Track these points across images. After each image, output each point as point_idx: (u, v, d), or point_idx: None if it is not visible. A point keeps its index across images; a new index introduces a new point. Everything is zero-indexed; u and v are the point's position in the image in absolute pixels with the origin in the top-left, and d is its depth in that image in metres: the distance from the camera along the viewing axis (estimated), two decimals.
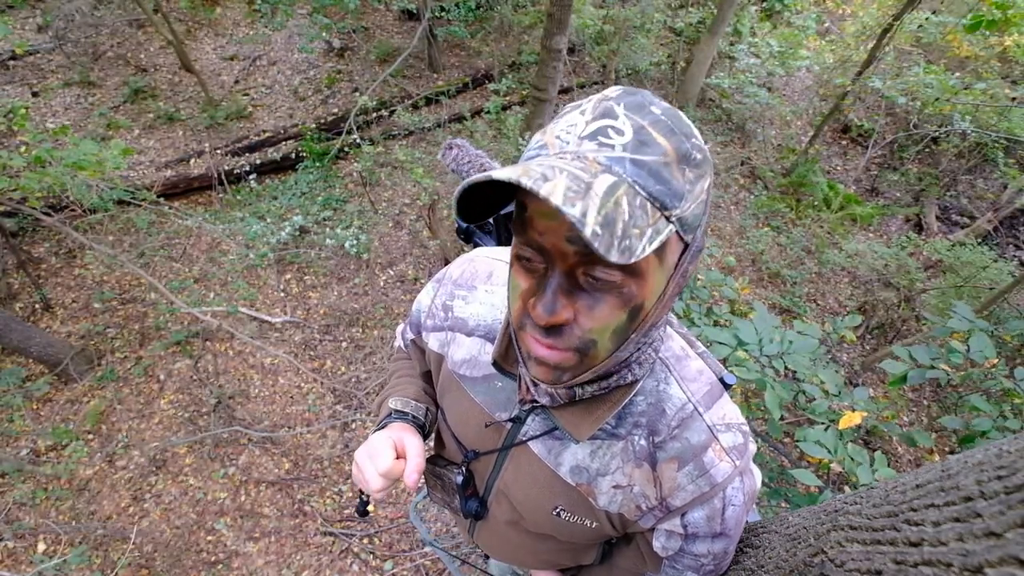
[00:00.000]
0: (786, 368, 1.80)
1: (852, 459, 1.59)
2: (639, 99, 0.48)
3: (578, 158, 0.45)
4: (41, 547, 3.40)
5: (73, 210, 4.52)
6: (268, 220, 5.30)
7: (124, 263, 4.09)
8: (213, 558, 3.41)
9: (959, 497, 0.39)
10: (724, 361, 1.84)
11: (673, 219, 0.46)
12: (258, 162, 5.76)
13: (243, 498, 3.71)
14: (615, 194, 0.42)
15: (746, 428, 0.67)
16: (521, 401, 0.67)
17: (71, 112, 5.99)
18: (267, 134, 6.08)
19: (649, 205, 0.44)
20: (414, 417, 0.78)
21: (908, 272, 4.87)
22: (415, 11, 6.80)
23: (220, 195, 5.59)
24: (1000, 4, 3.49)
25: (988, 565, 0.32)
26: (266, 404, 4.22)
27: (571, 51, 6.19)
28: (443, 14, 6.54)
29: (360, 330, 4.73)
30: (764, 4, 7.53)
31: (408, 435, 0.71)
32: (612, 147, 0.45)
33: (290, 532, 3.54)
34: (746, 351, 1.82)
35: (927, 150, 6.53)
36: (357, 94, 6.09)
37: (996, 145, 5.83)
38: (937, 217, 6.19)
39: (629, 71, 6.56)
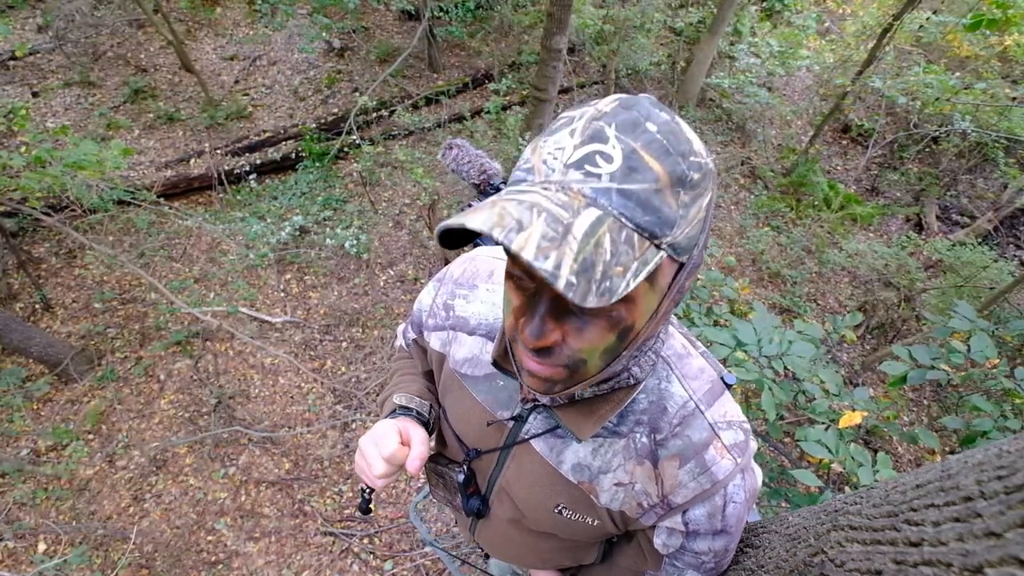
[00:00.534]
0: (786, 368, 1.80)
1: (853, 459, 1.59)
2: (634, 116, 0.45)
3: (562, 189, 0.44)
4: (41, 547, 3.40)
5: (73, 210, 4.52)
6: (268, 220, 5.30)
7: (124, 263, 4.09)
8: (213, 558, 3.41)
9: (959, 497, 0.39)
10: (724, 361, 1.84)
11: (664, 246, 0.45)
12: (258, 162, 5.76)
13: (243, 498, 3.71)
14: (596, 233, 0.41)
15: (747, 426, 0.67)
16: (523, 400, 0.68)
17: (71, 112, 5.99)
18: (267, 134, 6.08)
19: (636, 237, 0.43)
20: (418, 413, 0.78)
21: (908, 272, 4.87)
22: (415, 11, 6.79)
23: (220, 195, 5.59)
24: (1000, 4, 3.48)
25: (988, 565, 0.32)
26: (266, 404, 4.22)
27: (571, 51, 6.19)
28: (443, 14, 6.53)
29: (360, 330, 4.73)
30: (764, 4, 7.53)
31: (413, 425, 0.72)
32: (599, 177, 0.43)
33: (290, 532, 3.54)
34: (745, 351, 1.82)
35: (927, 150, 6.53)
36: (357, 94, 6.09)
37: (996, 145, 5.83)
38: (937, 217, 6.19)
39: (629, 71, 6.56)
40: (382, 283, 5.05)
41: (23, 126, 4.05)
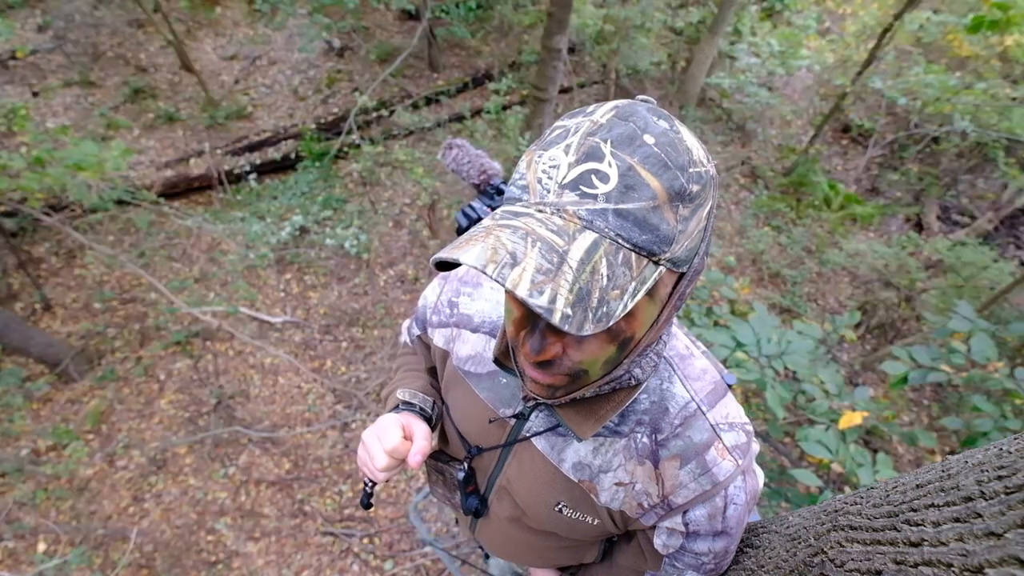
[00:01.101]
0: (785, 368, 1.80)
1: (853, 459, 1.59)
2: (630, 128, 0.44)
3: (557, 212, 0.43)
4: (41, 547, 3.40)
5: (73, 210, 4.52)
6: (268, 220, 5.30)
7: (124, 263, 4.09)
8: (213, 558, 3.41)
9: (959, 497, 0.39)
10: (724, 362, 1.84)
11: (663, 261, 0.45)
12: (258, 162, 5.76)
13: (243, 498, 3.71)
14: (592, 260, 0.41)
15: (749, 428, 0.67)
16: (525, 398, 0.68)
17: (71, 112, 5.99)
18: (267, 134, 6.08)
19: (634, 257, 0.44)
20: (421, 409, 0.79)
21: (908, 272, 4.86)
22: (415, 11, 6.79)
23: (220, 195, 5.59)
24: (1001, 4, 3.48)
25: (988, 565, 0.32)
26: (266, 404, 4.21)
27: (571, 51, 6.18)
28: (443, 14, 6.53)
29: (360, 330, 4.73)
30: (764, 3, 7.52)
31: (416, 420, 0.72)
32: (594, 197, 0.43)
33: (290, 532, 3.54)
34: (745, 352, 1.82)
35: (927, 150, 6.52)
36: (357, 94, 6.09)
37: (996, 145, 5.82)
38: (937, 217, 6.19)
39: (629, 71, 6.55)
40: (382, 283, 5.05)
41: (23, 126, 4.06)
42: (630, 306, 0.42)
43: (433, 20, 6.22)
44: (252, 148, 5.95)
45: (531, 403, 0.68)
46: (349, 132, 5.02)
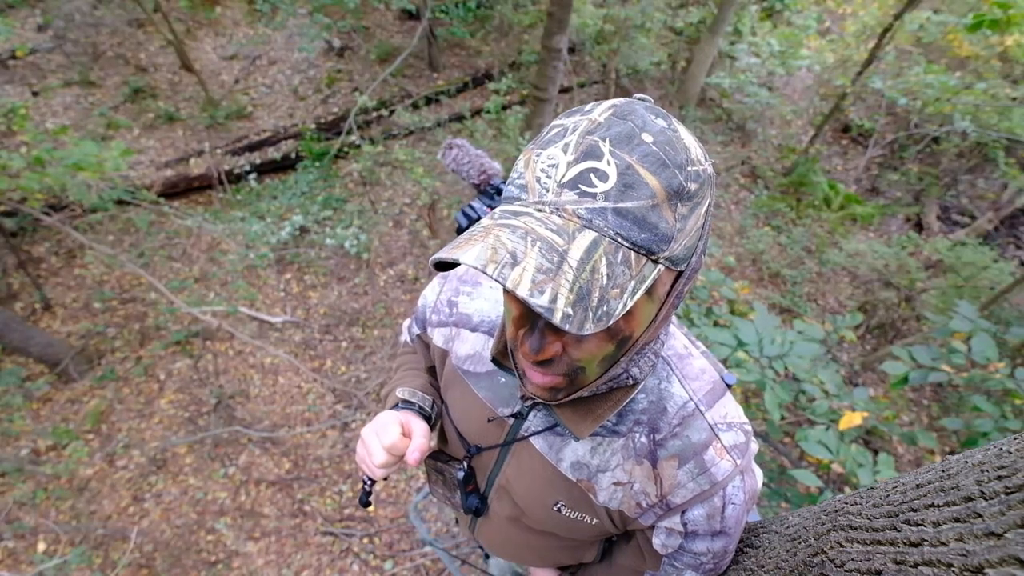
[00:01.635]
0: (786, 368, 1.79)
1: (853, 460, 1.59)
2: (628, 127, 0.44)
3: (556, 211, 0.43)
4: (41, 547, 3.40)
5: (73, 210, 4.52)
6: (268, 220, 5.30)
7: (124, 263, 4.09)
8: (213, 558, 3.41)
9: (959, 497, 0.39)
10: (724, 362, 1.84)
11: (661, 260, 0.45)
12: (258, 162, 5.76)
13: (243, 498, 3.71)
14: (592, 258, 0.41)
15: (748, 427, 0.67)
16: (523, 397, 0.68)
17: (71, 112, 5.99)
18: (267, 134, 6.08)
19: (633, 256, 0.44)
20: (420, 407, 0.79)
21: (908, 272, 4.86)
22: (415, 11, 6.79)
23: (220, 195, 5.59)
24: (1001, 4, 3.48)
25: (988, 565, 0.32)
26: (266, 404, 4.21)
27: (571, 51, 6.18)
28: (443, 14, 6.53)
29: (360, 330, 4.73)
30: (764, 3, 7.52)
31: (415, 418, 0.72)
32: (593, 196, 0.43)
33: (290, 532, 3.54)
34: (746, 352, 1.82)
35: (927, 150, 6.52)
36: (357, 94, 6.09)
37: (996, 145, 5.82)
38: (937, 217, 6.19)
39: (629, 70, 6.55)
40: (382, 283, 5.05)
41: (23, 126, 4.06)
42: (630, 305, 0.43)
43: (433, 20, 6.22)
44: (252, 148, 5.95)
45: (529, 402, 0.68)
46: (349, 132, 5.02)
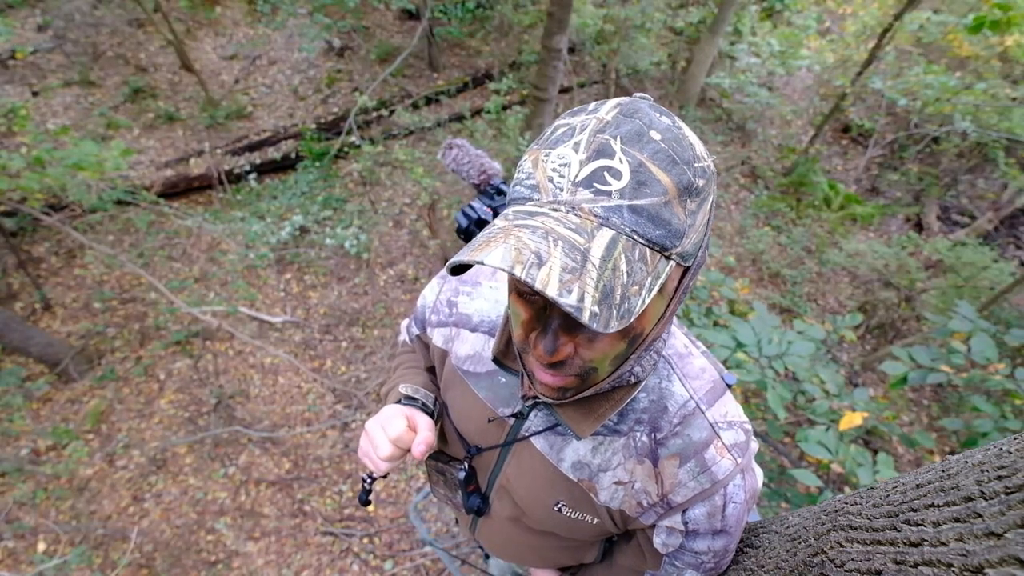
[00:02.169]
0: (786, 368, 1.79)
1: (853, 460, 1.59)
2: (637, 125, 0.45)
3: (573, 210, 0.43)
4: (41, 547, 3.40)
5: (73, 210, 4.52)
6: (268, 220, 5.30)
7: (124, 263, 4.10)
8: (213, 558, 3.41)
9: (959, 497, 0.39)
10: (724, 362, 1.84)
11: (674, 256, 0.46)
12: (258, 162, 5.76)
13: (243, 498, 3.71)
14: (613, 256, 0.42)
15: (748, 426, 0.67)
16: (523, 397, 0.68)
17: (71, 112, 5.99)
18: (267, 134, 6.08)
19: (648, 252, 0.44)
20: (423, 404, 0.78)
21: (908, 272, 4.86)
22: (415, 11, 6.79)
23: (220, 195, 5.59)
24: (1001, 5, 3.47)
25: (988, 565, 0.32)
26: (266, 404, 4.21)
27: (571, 51, 6.18)
28: (443, 14, 6.53)
29: (360, 330, 4.73)
30: (764, 3, 7.52)
31: (419, 413, 0.72)
32: (609, 194, 0.43)
33: (290, 532, 3.54)
34: (746, 352, 1.82)
35: (927, 150, 6.52)
36: (357, 94, 6.09)
37: (996, 145, 5.83)
38: (937, 217, 6.19)
39: (629, 70, 6.55)
40: (382, 283, 5.05)
41: (23, 126, 4.05)
42: (647, 301, 0.43)
43: (433, 20, 6.22)
44: (252, 148, 5.95)
45: (530, 402, 0.68)
46: (349, 132, 5.02)
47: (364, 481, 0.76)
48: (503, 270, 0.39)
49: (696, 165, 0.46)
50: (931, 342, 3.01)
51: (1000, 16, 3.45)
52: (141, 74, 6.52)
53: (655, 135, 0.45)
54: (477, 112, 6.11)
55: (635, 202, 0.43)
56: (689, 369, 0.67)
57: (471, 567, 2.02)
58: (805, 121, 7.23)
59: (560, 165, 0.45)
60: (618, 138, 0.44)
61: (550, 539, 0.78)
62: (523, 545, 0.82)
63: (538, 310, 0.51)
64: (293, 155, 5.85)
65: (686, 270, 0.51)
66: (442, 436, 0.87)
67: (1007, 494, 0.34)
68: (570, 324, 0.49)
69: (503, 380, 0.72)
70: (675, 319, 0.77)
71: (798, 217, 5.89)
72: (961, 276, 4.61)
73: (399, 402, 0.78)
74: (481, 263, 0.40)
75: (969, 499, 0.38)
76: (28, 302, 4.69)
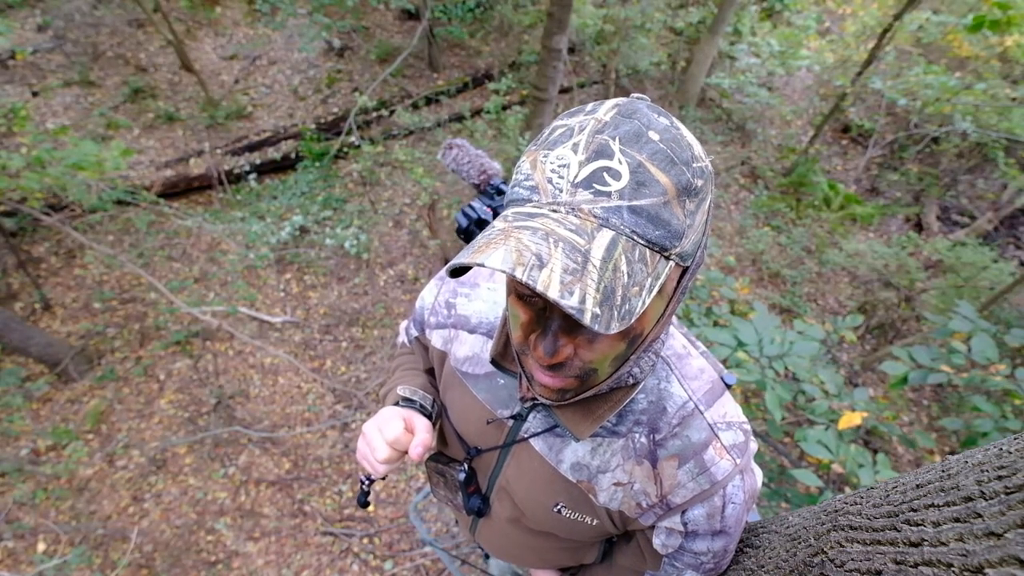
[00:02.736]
0: (786, 368, 1.79)
1: (853, 460, 1.59)
2: (636, 125, 0.45)
3: (573, 211, 0.43)
4: (41, 547, 3.40)
5: (73, 210, 4.52)
6: (268, 220, 5.30)
7: (124, 263, 4.09)
8: (213, 558, 3.41)
9: (959, 497, 0.39)
10: (724, 362, 1.84)
11: (673, 256, 0.46)
12: (258, 162, 5.76)
13: (243, 498, 3.71)
14: (613, 257, 0.41)
15: (747, 427, 0.67)
16: (522, 399, 0.68)
17: (71, 112, 5.99)
18: (267, 134, 6.08)
19: (648, 253, 0.44)
20: (422, 406, 0.78)
21: (908, 272, 4.86)
22: (415, 11, 6.79)
23: (220, 195, 5.59)
24: (1001, 4, 3.48)
25: (988, 565, 0.32)
26: (266, 404, 4.21)
27: (571, 51, 6.18)
28: (443, 14, 6.53)
29: (360, 330, 4.73)
30: (764, 4, 7.52)
31: (417, 415, 0.72)
32: (608, 195, 0.43)
33: (290, 532, 3.54)
34: (746, 352, 1.82)
35: (927, 150, 6.52)
36: (357, 94, 6.09)
37: (996, 145, 5.83)
38: (937, 217, 6.19)
39: (629, 71, 6.56)
40: (382, 283, 5.05)
41: (23, 126, 4.05)
42: (648, 302, 0.43)
43: (433, 20, 6.22)
44: (252, 148, 5.95)
45: (529, 404, 0.68)
46: (349, 132, 5.02)
47: (362, 483, 0.76)
48: (504, 272, 0.39)
49: (695, 165, 0.46)
50: (931, 342, 3.02)
51: (1000, 16, 3.45)
52: (141, 74, 6.52)
53: (654, 135, 0.45)
54: (477, 112, 6.11)
55: (634, 203, 0.43)
56: (687, 370, 0.66)
57: (471, 567, 2.02)
58: (805, 121, 7.23)
59: (559, 166, 0.45)
60: (617, 138, 0.44)
61: (550, 540, 0.78)
62: (523, 546, 0.82)
63: (537, 312, 0.50)
64: (293, 155, 5.85)
65: (684, 270, 0.51)
66: (442, 438, 0.87)
67: (1007, 494, 0.34)
68: (570, 325, 0.49)
69: (501, 382, 0.72)
70: (675, 319, 0.77)
71: (798, 217, 5.89)
72: (961, 276, 4.61)
73: (397, 404, 0.78)
74: (482, 265, 0.40)
75: (969, 499, 0.38)
76: (28, 302, 4.69)
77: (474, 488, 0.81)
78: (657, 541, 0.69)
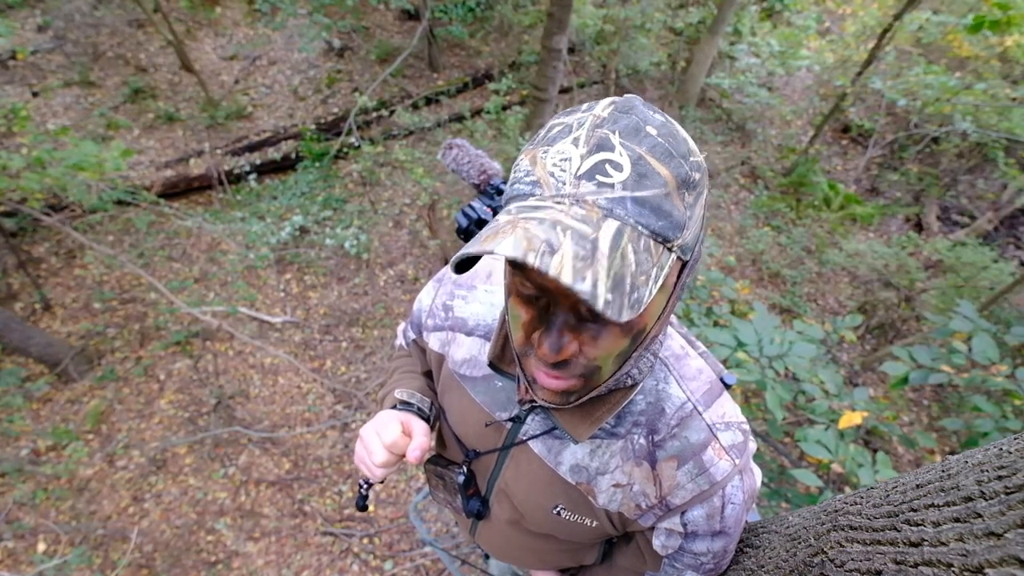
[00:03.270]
0: (786, 368, 1.79)
1: (853, 460, 1.59)
2: (634, 120, 0.46)
3: (577, 202, 0.43)
4: (41, 547, 3.40)
5: (73, 210, 4.52)
6: (268, 220, 5.30)
7: (124, 263, 4.09)
8: (213, 558, 3.41)
9: (959, 497, 0.39)
10: (724, 362, 1.84)
11: (675, 248, 0.46)
12: (258, 162, 5.76)
13: (243, 498, 3.71)
14: (620, 246, 0.41)
15: (746, 427, 0.67)
16: (520, 401, 0.67)
17: (71, 112, 5.99)
18: (267, 134, 6.08)
19: (652, 243, 0.44)
20: (419, 409, 0.78)
21: (908, 272, 4.86)
22: (415, 11, 6.79)
23: (220, 195, 5.59)
24: (1001, 4, 3.47)
25: (988, 565, 0.32)
26: (266, 404, 4.21)
27: (571, 51, 6.19)
28: (443, 14, 6.53)
29: (360, 330, 4.73)
30: (764, 4, 7.52)
31: (415, 418, 0.72)
32: (611, 186, 0.43)
33: (290, 532, 3.54)
34: (746, 352, 1.82)
35: (927, 150, 6.52)
36: (357, 94, 6.09)
37: (996, 145, 5.83)
38: (937, 217, 6.19)
39: (629, 71, 6.56)
40: (382, 283, 5.05)
41: (23, 126, 4.05)
42: (654, 292, 0.43)
43: (433, 20, 6.22)
44: (252, 148, 5.95)
45: (527, 406, 0.68)
46: (349, 132, 5.02)
47: (361, 487, 0.76)
48: (516, 258, 0.39)
49: (691, 159, 0.46)
50: (931, 342, 3.02)
51: (1000, 16, 3.45)
52: (141, 74, 6.52)
53: (651, 130, 0.45)
54: (477, 112, 6.11)
55: (637, 193, 0.43)
56: (686, 370, 0.66)
57: (471, 567, 2.02)
58: (805, 121, 7.23)
59: (561, 160, 0.45)
60: (616, 132, 0.45)
61: (549, 542, 0.78)
62: (523, 548, 0.82)
63: (540, 311, 0.50)
64: (293, 155, 5.85)
65: (683, 266, 0.51)
66: (440, 440, 0.87)
67: (1007, 494, 0.34)
68: (573, 321, 0.49)
69: (500, 384, 0.72)
70: (675, 319, 0.77)
71: (798, 217, 5.89)
72: (961, 276, 4.61)
73: (394, 407, 0.77)
74: (491, 252, 0.40)
75: (969, 499, 0.38)
76: (28, 302, 4.69)
77: (473, 490, 0.80)
78: (657, 542, 0.69)
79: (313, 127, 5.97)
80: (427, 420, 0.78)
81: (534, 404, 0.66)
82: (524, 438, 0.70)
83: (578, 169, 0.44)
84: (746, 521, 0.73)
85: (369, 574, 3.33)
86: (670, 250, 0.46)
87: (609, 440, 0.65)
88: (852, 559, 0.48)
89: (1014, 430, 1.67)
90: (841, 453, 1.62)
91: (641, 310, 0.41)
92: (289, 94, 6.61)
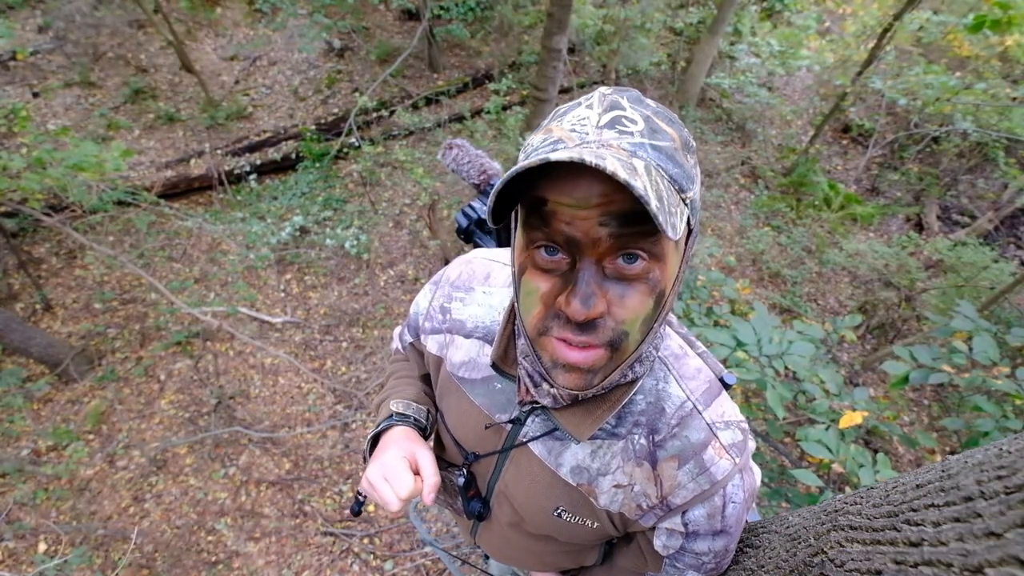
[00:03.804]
0: (786, 368, 1.79)
1: (853, 459, 1.59)
2: (635, 94, 0.51)
3: (603, 146, 0.45)
4: (42, 547, 3.40)
5: (73, 211, 4.52)
6: (268, 220, 5.30)
7: (124, 263, 4.09)
8: (213, 558, 3.41)
9: (959, 497, 0.39)
10: (724, 362, 1.84)
11: (687, 201, 0.48)
12: (258, 162, 5.77)
13: (243, 498, 3.71)
14: (651, 174, 0.44)
15: (745, 426, 0.67)
16: (520, 402, 0.67)
17: (71, 112, 5.99)
18: (267, 134, 6.08)
19: (672, 187, 0.46)
20: (415, 420, 0.78)
21: (909, 272, 4.86)
22: (415, 11, 6.80)
23: (220, 195, 5.59)
24: (1001, 4, 3.47)
25: (988, 565, 0.32)
26: (266, 404, 4.22)
27: (571, 51, 6.19)
28: (443, 13, 6.54)
29: (360, 330, 4.73)
30: (764, 4, 7.53)
31: (419, 448, 0.71)
32: (631, 134, 0.46)
33: (290, 532, 3.54)
34: (746, 351, 1.82)
35: (928, 150, 6.52)
36: (357, 94, 6.10)
37: (997, 145, 5.83)
38: (938, 217, 6.19)
39: (629, 71, 6.56)
40: (382, 283, 5.05)
41: (24, 127, 4.06)
42: (681, 229, 0.44)
43: (433, 20, 6.22)
44: (252, 148, 5.95)
45: (527, 408, 0.67)
46: (349, 132, 5.02)
47: (358, 495, 0.76)
48: (573, 160, 0.39)
49: (685, 130, 0.51)
50: (932, 342, 3.01)
51: (1000, 16, 3.45)
52: (141, 75, 6.52)
53: (651, 103, 0.50)
54: (477, 112, 6.11)
55: (654, 142, 0.46)
56: (685, 370, 0.66)
57: (471, 567, 2.02)
58: (805, 121, 7.23)
59: (578, 121, 0.48)
60: (624, 97, 0.49)
61: (550, 543, 0.78)
62: (523, 549, 0.82)
63: (563, 274, 0.49)
64: (293, 156, 5.85)
65: (689, 233, 0.53)
66: (439, 442, 0.86)
67: (1007, 494, 0.34)
68: (599, 279, 0.48)
69: (499, 386, 0.71)
70: (674, 319, 0.77)
71: (798, 217, 5.89)
72: (961, 276, 4.61)
73: (390, 417, 0.77)
74: (547, 160, 0.40)
75: (969, 499, 0.38)
76: (29, 303, 4.70)
77: (474, 492, 0.80)
78: (658, 542, 0.69)
79: (313, 127, 5.98)
80: (424, 430, 0.78)
81: (534, 405, 0.66)
82: (524, 440, 0.70)
83: (598, 121, 0.47)
84: (746, 521, 0.73)
85: (369, 574, 3.33)
86: (684, 202, 0.48)
87: (610, 441, 0.65)
88: (852, 559, 0.48)
89: (1014, 430, 1.67)
90: (842, 453, 1.62)
91: (676, 237, 0.42)
92: (289, 94, 6.61)
